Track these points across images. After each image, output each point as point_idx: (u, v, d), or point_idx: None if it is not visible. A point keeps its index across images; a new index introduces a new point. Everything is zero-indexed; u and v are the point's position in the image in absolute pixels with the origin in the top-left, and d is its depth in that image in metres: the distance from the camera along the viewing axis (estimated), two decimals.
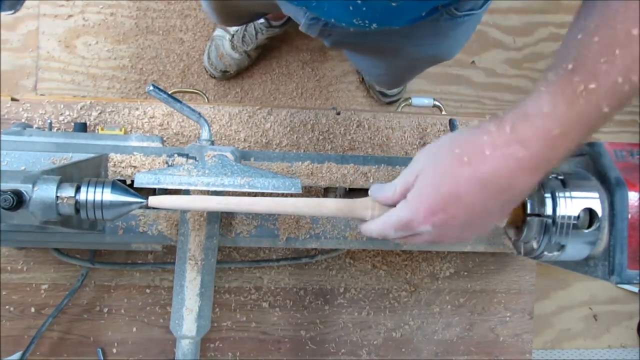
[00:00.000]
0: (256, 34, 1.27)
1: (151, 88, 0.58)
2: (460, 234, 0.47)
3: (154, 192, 0.65)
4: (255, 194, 0.57)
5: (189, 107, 0.62)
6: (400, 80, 0.96)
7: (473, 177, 0.43)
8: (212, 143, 0.63)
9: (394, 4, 0.57)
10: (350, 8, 0.59)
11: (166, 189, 0.64)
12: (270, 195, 0.54)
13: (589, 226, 0.54)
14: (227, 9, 0.89)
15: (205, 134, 0.63)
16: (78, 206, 0.48)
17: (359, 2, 0.57)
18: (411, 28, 0.65)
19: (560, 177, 0.54)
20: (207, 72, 1.38)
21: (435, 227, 0.46)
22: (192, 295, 0.61)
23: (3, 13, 0.65)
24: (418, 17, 0.63)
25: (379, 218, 0.49)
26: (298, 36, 1.44)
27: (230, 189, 0.54)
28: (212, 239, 0.62)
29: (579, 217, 0.53)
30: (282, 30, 1.31)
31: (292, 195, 0.55)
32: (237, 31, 1.28)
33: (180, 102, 0.61)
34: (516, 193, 0.44)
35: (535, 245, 0.56)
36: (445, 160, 0.44)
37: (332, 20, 0.65)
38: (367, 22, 0.61)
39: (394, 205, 0.49)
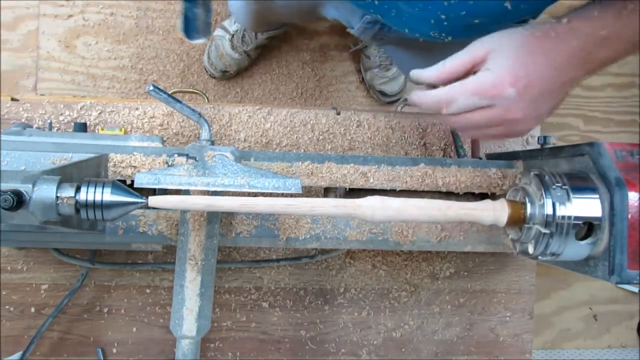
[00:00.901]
0: (256, 34, 1.27)
1: (151, 88, 0.58)
2: (526, 115, 0.51)
3: (154, 192, 0.64)
4: (255, 194, 0.57)
5: (189, 107, 0.62)
6: None
7: (549, 57, 0.49)
8: (212, 143, 0.63)
9: (476, 21, 0.57)
10: (432, 22, 0.59)
11: (166, 189, 0.64)
12: (271, 195, 0.54)
13: (587, 235, 0.54)
14: (262, 17, 0.89)
15: (205, 134, 0.63)
16: (78, 206, 0.48)
17: (442, 17, 0.57)
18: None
19: (560, 177, 0.54)
20: (207, 72, 1.38)
21: (518, 94, 0.49)
22: (192, 295, 0.61)
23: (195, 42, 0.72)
24: (492, 31, 0.63)
25: (451, 85, 0.51)
26: (298, 36, 1.44)
27: (231, 189, 0.54)
28: (212, 239, 0.62)
29: (578, 224, 0.53)
30: (282, 30, 1.31)
31: (292, 195, 0.55)
32: (236, 31, 1.28)
33: (180, 102, 0.61)
34: (570, 79, 0.51)
35: (531, 248, 0.56)
36: (519, 43, 0.50)
37: (406, 30, 0.64)
38: (443, 35, 0.62)
39: (436, 86, 0.53)
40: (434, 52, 0.80)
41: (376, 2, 0.61)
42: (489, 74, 0.50)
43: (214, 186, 0.53)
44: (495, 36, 0.52)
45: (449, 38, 0.62)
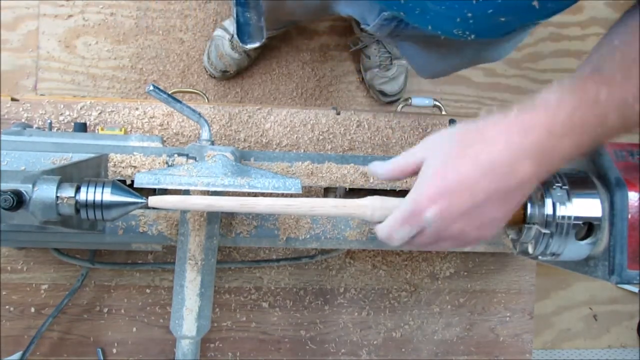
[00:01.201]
0: None
1: (151, 88, 0.58)
2: (465, 228, 0.46)
3: (154, 192, 0.64)
4: (255, 194, 0.57)
5: (189, 107, 0.62)
6: (443, 73, 0.95)
7: (476, 162, 0.44)
8: (212, 143, 0.63)
9: (502, 19, 0.56)
10: (458, 20, 0.58)
11: (166, 189, 0.64)
12: (270, 195, 0.54)
13: (587, 235, 0.54)
14: (272, 15, 0.88)
15: (205, 134, 0.63)
16: (78, 206, 0.48)
17: (469, 15, 0.55)
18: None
19: (560, 177, 0.54)
20: (207, 72, 1.38)
21: (440, 213, 0.45)
22: (192, 295, 0.61)
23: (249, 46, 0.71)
24: (514, 29, 0.62)
25: (386, 220, 0.49)
26: (298, 36, 1.44)
27: (231, 189, 0.54)
28: (212, 239, 0.62)
29: (578, 224, 0.53)
30: (283, 31, 1.31)
31: (292, 195, 0.55)
32: None
33: (180, 102, 0.61)
34: (517, 182, 0.44)
35: (531, 248, 0.56)
36: (448, 147, 0.45)
37: (429, 27, 0.62)
38: (467, 33, 0.60)
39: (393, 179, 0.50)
40: (450, 48, 0.80)
41: (402, 1, 0.60)
42: (409, 197, 0.47)
43: (214, 186, 0.53)
44: (424, 146, 0.48)
45: (472, 36, 0.60)
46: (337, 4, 0.72)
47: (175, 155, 0.63)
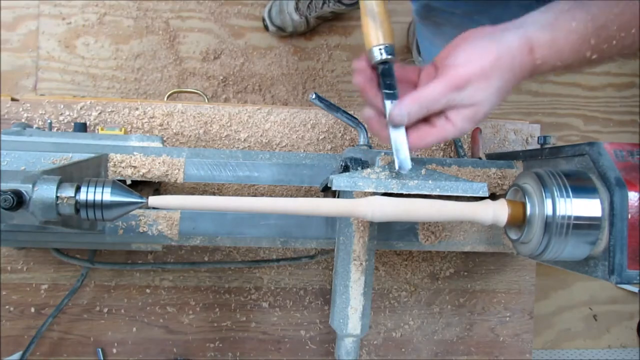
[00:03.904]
0: (323, 4, 1.29)
1: (313, 97, 0.61)
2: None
3: (154, 192, 0.65)
4: (252, 195, 0.57)
5: (348, 114, 0.68)
6: None
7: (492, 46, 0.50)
8: (370, 147, 0.66)
9: None
10: None
11: (166, 190, 0.64)
12: (457, 199, 0.54)
13: (587, 235, 0.54)
14: None
15: (362, 139, 0.68)
16: (78, 206, 0.48)
17: None
18: (504, 9, 0.66)
19: (559, 177, 0.54)
20: (263, 22, 1.40)
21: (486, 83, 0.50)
22: (356, 295, 0.62)
23: None
24: None
25: (432, 81, 0.50)
26: (298, 36, 1.44)
27: (424, 192, 0.54)
28: (373, 240, 0.63)
29: (577, 224, 0.53)
30: (349, 10, 1.33)
31: (475, 198, 0.55)
32: None
33: (339, 109, 0.67)
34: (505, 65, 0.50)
35: (531, 249, 0.56)
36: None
37: None
38: None
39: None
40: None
41: None
42: (459, 67, 0.51)
43: (407, 188, 0.53)
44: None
45: None
46: None
47: (349, 159, 0.63)
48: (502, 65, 0.49)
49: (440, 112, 0.51)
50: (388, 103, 0.52)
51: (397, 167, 0.52)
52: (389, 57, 0.53)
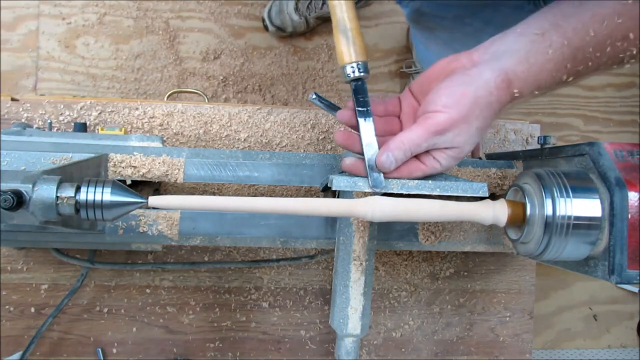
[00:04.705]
0: (322, 4, 1.29)
1: (313, 96, 0.60)
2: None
3: (154, 192, 0.65)
4: (252, 195, 0.57)
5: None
6: None
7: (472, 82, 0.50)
8: None
9: None
10: None
11: (166, 190, 0.64)
12: (457, 199, 0.54)
13: (587, 236, 0.54)
14: None
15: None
16: (78, 206, 0.48)
17: None
18: (494, 12, 0.65)
19: (559, 177, 0.54)
20: (262, 22, 1.40)
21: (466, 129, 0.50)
22: (356, 295, 0.62)
23: None
24: None
25: (414, 126, 0.51)
26: (298, 36, 1.44)
27: (424, 192, 0.54)
28: (373, 240, 0.63)
29: (577, 224, 0.53)
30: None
31: (475, 198, 0.54)
32: None
33: (339, 109, 0.67)
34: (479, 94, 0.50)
35: (531, 249, 0.56)
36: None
37: None
38: None
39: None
40: (456, 38, 0.82)
41: None
42: (441, 113, 0.52)
43: (407, 188, 0.53)
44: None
45: None
46: None
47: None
48: (481, 104, 0.49)
49: (427, 151, 0.52)
50: (361, 121, 0.54)
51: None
52: (362, 74, 0.54)
